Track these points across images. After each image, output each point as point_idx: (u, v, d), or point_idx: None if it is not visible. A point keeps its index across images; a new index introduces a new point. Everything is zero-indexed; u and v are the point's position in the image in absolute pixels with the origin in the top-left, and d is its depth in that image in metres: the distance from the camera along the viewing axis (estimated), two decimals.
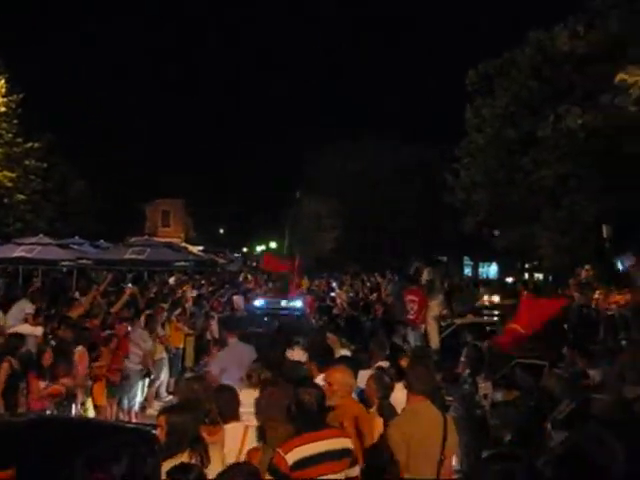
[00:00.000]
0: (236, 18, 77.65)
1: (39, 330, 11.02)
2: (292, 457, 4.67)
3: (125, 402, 12.31)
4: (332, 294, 26.27)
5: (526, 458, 7.72)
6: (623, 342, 17.49)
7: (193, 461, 4.93)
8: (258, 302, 17.84)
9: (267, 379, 6.39)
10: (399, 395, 6.34)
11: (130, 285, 19.11)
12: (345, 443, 5.01)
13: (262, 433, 5.34)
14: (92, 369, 10.79)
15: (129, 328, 12.66)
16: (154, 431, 5.57)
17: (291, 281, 22.66)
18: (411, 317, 14.54)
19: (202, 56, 71.61)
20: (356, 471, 5.09)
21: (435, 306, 14.33)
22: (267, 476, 4.66)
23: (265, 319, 15.46)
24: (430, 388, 5.68)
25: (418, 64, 58.94)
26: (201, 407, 5.51)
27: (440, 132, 42.35)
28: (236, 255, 57.30)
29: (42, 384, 8.90)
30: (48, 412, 8.78)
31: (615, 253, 22.33)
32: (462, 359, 10.53)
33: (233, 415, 5.75)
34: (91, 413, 10.61)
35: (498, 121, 25.64)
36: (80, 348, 10.28)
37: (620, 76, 16.40)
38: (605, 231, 23.69)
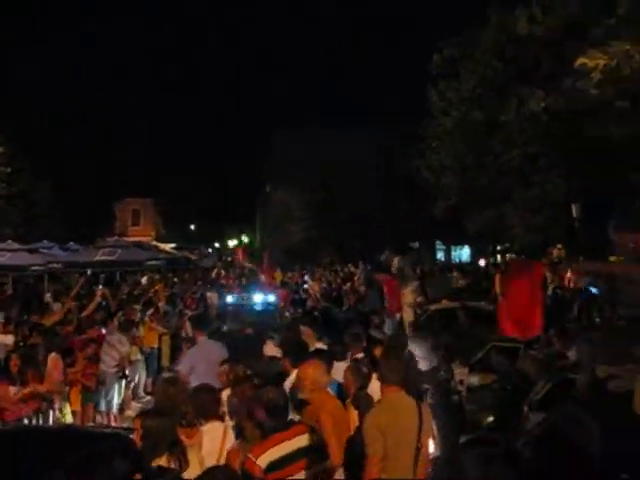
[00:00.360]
0: (236, 18, 77.10)
1: (9, 339, 10.90)
2: (264, 460, 4.67)
3: (103, 405, 12.22)
4: (305, 286, 26.28)
5: (504, 441, 7.79)
6: (597, 320, 17.73)
7: (172, 465, 4.89)
8: (230, 298, 17.72)
9: (239, 377, 6.35)
10: (375, 385, 6.33)
11: (101, 287, 18.95)
12: (313, 438, 5.02)
13: (240, 431, 5.31)
14: (67, 375, 10.69)
15: (103, 331, 12.57)
16: (132, 436, 5.51)
17: (262, 273, 22.61)
18: (386, 306, 14.63)
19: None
20: (328, 464, 5.09)
21: (409, 293, 14.36)
22: None
23: (238, 315, 15.37)
24: (403, 378, 5.67)
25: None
26: (177, 410, 5.46)
27: (403, 115, 42.43)
28: (210, 250, 57.15)
29: (13, 389, 8.78)
30: (26, 420, 8.69)
31: (584, 232, 22.58)
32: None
33: (213, 415, 5.70)
34: (69, 419, 10.51)
35: (465, 104, 25.67)
36: (53, 355, 10.16)
37: (580, 60, 16.47)
38: (575, 210, 23.91)
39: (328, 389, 6.34)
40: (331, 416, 5.55)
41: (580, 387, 6.81)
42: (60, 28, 56.43)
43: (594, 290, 17.21)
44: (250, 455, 4.71)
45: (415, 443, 5.44)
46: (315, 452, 5.03)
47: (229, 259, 51.27)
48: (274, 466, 4.67)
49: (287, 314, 16.44)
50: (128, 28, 61.71)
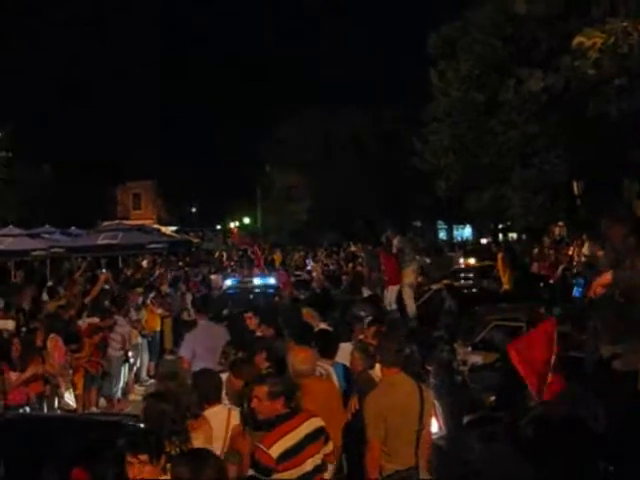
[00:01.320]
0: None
1: (10, 324, 10.90)
2: (275, 451, 4.66)
3: (107, 389, 12.25)
4: (308, 267, 26.26)
5: (507, 421, 7.80)
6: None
7: (172, 452, 4.87)
8: (229, 281, 17.64)
9: (236, 360, 6.32)
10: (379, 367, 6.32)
11: (104, 271, 18.97)
12: (316, 423, 5.02)
13: (246, 417, 5.29)
14: (72, 360, 10.71)
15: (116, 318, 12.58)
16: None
17: (255, 256, 22.53)
18: (386, 279, 14.63)
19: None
20: (330, 447, 5.12)
21: (410, 273, 14.33)
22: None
23: (236, 299, 15.31)
24: (402, 359, 5.67)
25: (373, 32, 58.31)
26: (180, 403, 5.42)
27: (401, 97, 42.29)
28: (216, 234, 57.06)
29: (14, 375, 8.80)
30: (29, 405, 8.74)
31: (586, 209, 22.55)
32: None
33: (216, 399, 5.68)
34: (73, 404, 10.55)
35: (464, 84, 25.57)
36: (52, 335, 10.15)
37: (578, 39, 16.36)
38: (576, 188, 23.86)
39: (329, 371, 6.35)
40: (314, 402, 5.45)
41: (585, 365, 6.78)
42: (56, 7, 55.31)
43: None
44: (261, 445, 4.70)
45: (417, 425, 5.44)
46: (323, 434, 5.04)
47: (229, 241, 51.32)
48: (286, 455, 4.68)
49: (289, 297, 16.26)
50: (134, 19, 60.15)
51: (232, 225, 66.44)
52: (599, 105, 17.91)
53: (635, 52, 15.23)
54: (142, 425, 5.43)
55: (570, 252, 20.15)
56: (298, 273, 24.12)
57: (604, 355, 5.87)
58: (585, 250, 18.84)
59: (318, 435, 4.97)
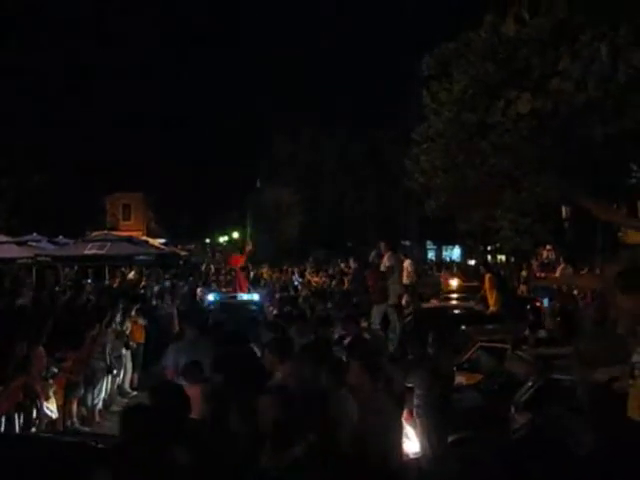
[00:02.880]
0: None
1: None
2: None
3: (89, 400, 12.15)
4: (295, 283, 26.18)
5: (490, 442, 7.77)
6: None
7: None
8: (211, 296, 17.49)
9: None
10: None
11: (89, 281, 18.87)
12: None
13: None
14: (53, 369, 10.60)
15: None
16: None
17: (238, 274, 22.34)
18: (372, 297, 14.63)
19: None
20: None
21: (395, 292, 14.36)
22: None
23: (219, 314, 15.20)
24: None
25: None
26: None
27: (393, 117, 42.50)
28: (207, 248, 56.89)
29: None
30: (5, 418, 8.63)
31: (574, 232, 22.67)
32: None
33: None
34: (54, 415, 10.45)
35: (456, 105, 25.66)
36: (35, 346, 10.03)
37: (564, 61, 16.56)
38: (564, 211, 23.97)
39: None
40: None
41: (581, 393, 6.71)
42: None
43: None
44: None
45: None
46: None
47: (219, 255, 51.15)
48: None
49: (274, 312, 16.02)
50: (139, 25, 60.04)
51: (221, 239, 66.35)
52: (585, 129, 18.09)
53: (620, 75, 15.37)
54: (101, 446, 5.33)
55: (557, 274, 20.22)
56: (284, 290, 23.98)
57: (600, 379, 5.75)
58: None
59: None
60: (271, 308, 16.80)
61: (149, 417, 4.64)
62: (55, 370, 10.59)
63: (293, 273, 31.63)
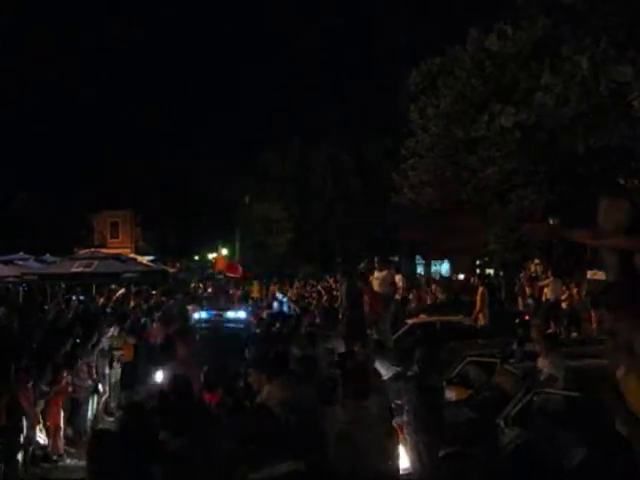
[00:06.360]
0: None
1: None
2: None
3: (77, 420, 12.04)
4: (282, 299, 26.05)
5: (479, 457, 7.74)
6: (574, 334, 17.78)
7: None
8: (198, 314, 17.28)
9: None
10: None
11: (73, 298, 18.75)
12: None
13: None
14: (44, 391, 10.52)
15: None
16: None
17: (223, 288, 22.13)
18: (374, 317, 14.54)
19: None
20: None
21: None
22: None
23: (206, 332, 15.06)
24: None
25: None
26: None
27: (383, 132, 42.65)
28: (199, 265, 56.65)
29: None
30: None
31: (561, 245, 22.72)
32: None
33: None
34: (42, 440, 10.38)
35: (444, 120, 25.75)
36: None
37: (545, 75, 16.69)
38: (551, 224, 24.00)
39: None
40: None
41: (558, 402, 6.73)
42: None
43: None
44: None
45: None
46: None
47: (209, 271, 50.97)
48: None
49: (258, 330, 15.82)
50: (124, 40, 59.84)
51: (210, 256, 66.13)
52: (568, 142, 18.21)
53: (602, 88, 15.49)
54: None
55: (545, 289, 20.28)
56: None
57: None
58: (548, 291, 18.97)
59: None
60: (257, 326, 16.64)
61: (114, 442, 4.63)
62: (46, 389, 10.52)
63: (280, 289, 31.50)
